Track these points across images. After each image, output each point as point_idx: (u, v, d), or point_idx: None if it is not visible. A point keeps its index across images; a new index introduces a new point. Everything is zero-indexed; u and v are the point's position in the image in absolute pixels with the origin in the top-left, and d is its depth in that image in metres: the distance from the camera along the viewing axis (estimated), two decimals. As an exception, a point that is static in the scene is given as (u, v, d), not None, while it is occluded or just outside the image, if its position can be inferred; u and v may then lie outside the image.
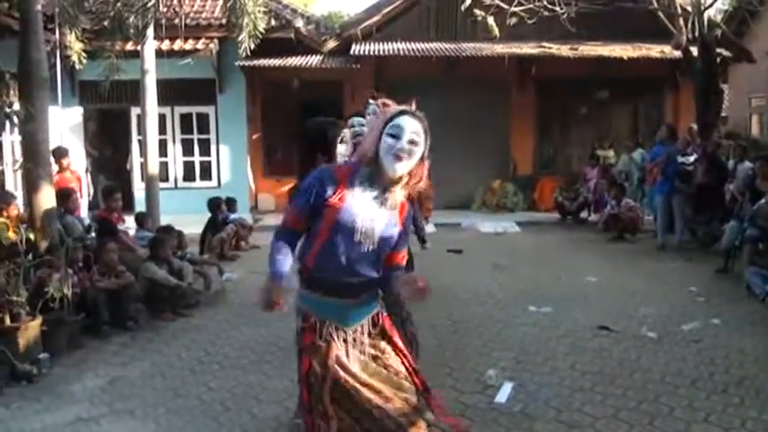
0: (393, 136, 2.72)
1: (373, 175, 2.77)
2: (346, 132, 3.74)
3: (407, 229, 2.95)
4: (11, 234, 6.11)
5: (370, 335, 2.88)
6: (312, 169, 3.08)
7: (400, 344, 2.95)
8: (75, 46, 9.78)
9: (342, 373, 2.76)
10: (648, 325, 6.24)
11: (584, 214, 13.50)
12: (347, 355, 2.80)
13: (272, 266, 2.80)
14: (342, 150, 3.65)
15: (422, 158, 2.79)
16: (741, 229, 8.07)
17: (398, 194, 2.81)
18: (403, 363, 2.91)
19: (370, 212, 2.74)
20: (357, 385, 2.77)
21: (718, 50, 13.10)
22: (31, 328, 5.33)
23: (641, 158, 13.21)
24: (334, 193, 2.73)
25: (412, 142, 2.72)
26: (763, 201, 7.94)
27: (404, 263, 2.96)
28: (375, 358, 2.86)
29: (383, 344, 2.90)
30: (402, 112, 2.78)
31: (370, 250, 2.76)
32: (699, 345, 5.67)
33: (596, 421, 4.21)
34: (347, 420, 2.76)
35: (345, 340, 2.82)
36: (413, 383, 2.88)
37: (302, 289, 2.87)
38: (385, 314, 2.97)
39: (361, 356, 2.83)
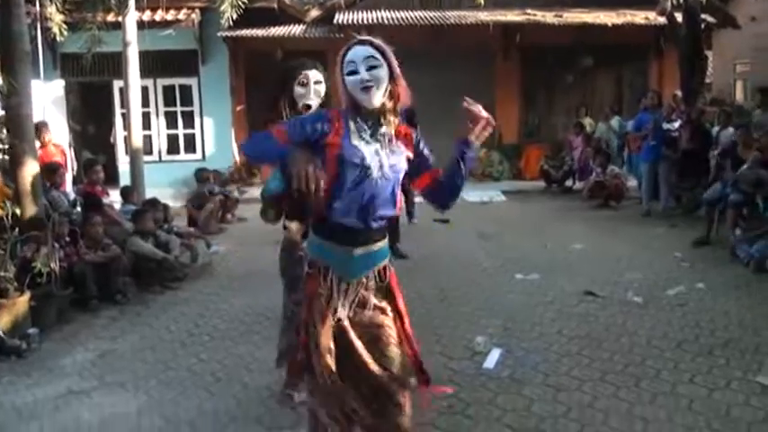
0: (351, 72, 2.70)
1: (359, 113, 2.75)
2: (308, 75, 3.71)
3: (423, 151, 2.89)
4: (-4, 209, 6.06)
5: (373, 291, 2.84)
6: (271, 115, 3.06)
7: (401, 306, 2.92)
8: (56, 18, 9.64)
9: (339, 329, 2.77)
10: (634, 290, 6.31)
11: (569, 182, 13.54)
12: (344, 310, 2.79)
13: (275, 147, 2.71)
14: (300, 92, 3.63)
15: (393, 77, 2.75)
16: (723, 191, 8.14)
17: (391, 123, 2.77)
18: (397, 326, 2.89)
19: (371, 147, 2.71)
20: (347, 343, 2.77)
21: (703, 16, 13.07)
22: (20, 304, 5.33)
23: (619, 126, 13.24)
24: (330, 131, 2.70)
25: (371, 68, 2.69)
26: (745, 166, 8.01)
27: (436, 173, 2.91)
28: (371, 317, 2.83)
29: (384, 303, 2.87)
30: (349, 46, 2.76)
31: (383, 185, 2.72)
32: (684, 308, 5.75)
33: (583, 384, 4.27)
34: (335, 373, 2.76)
35: (347, 292, 2.79)
36: (403, 350, 2.87)
37: (313, 236, 2.85)
38: (392, 269, 2.93)
39: (358, 313, 2.81)
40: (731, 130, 9.82)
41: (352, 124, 2.74)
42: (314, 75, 3.74)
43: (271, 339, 5.15)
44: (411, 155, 2.83)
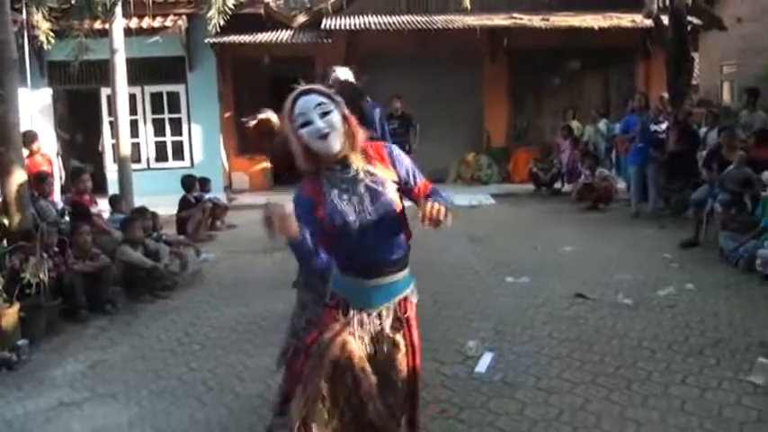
0: (304, 124, 2.63)
1: (325, 166, 2.70)
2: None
3: (405, 165, 2.83)
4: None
5: (392, 324, 2.82)
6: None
7: (416, 340, 2.90)
8: (43, 26, 9.63)
9: (343, 353, 2.71)
10: (624, 292, 6.33)
11: (558, 185, 13.57)
12: (358, 340, 2.75)
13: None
14: None
15: (344, 117, 2.69)
16: (711, 192, 8.19)
17: (358, 161, 2.72)
18: (408, 363, 2.86)
19: (351, 199, 2.67)
20: (355, 370, 2.72)
21: (689, 18, 13.14)
22: (9, 315, 5.30)
23: (607, 128, 13.29)
24: (316, 208, 2.66)
25: (323, 114, 2.64)
26: (731, 167, 8.06)
27: (430, 188, 2.87)
28: (384, 349, 2.81)
29: (398, 336, 2.83)
30: (294, 99, 2.68)
31: (377, 227, 2.69)
32: (674, 309, 5.77)
33: (575, 387, 4.28)
34: (336, 401, 2.72)
35: (363, 323, 2.77)
36: (407, 387, 2.86)
37: (336, 270, 2.82)
38: (414, 301, 2.92)
39: (371, 344, 2.78)
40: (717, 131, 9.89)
41: (324, 182, 2.70)
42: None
43: (262, 347, 5.15)
44: (395, 176, 2.78)
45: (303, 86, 2.72)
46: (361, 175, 2.71)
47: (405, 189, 2.83)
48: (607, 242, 8.70)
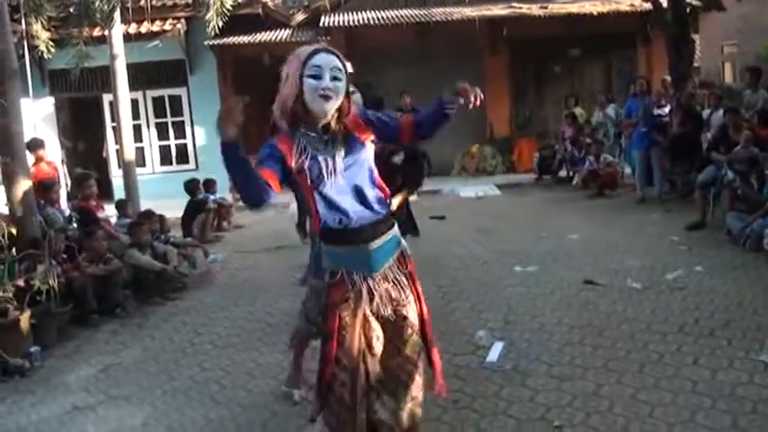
0: (314, 77, 2.66)
1: (306, 124, 2.73)
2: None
3: (381, 117, 2.86)
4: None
5: (395, 280, 2.87)
6: None
7: (420, 291, 2.96)
8: (43, 35, 9.66)
9: (365, 328, 2.81)
10: (633, 276, 6.32)
11: (562, 173, 13.53)
12: (372, 307, 2.81)
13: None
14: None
15: (347, 93, 2.76)
16: (717, 173, 8.17)
17: (341, 129, 2.76)
18: (419, 314, 2.94)
19: (325, 155, 2.71)
20: (373, 339, 2.82)
21: (688, 0, 13.12)
22: (21, 322, 5.32)
23: (615, 114, 13.24)
24: (287, 159, 2.70)
25: (335, 78, 2.68)
26: (738, 147, 8.03)
27: (412, 121, 2.88)
28: (396, 309, 2.86)
29: (407, 291, 2.90)
30: (317, 50, 2.72)
31: (356, 182, 2.74)
32: (683, 292, 5.76)
33: (587, 372, 4.28)
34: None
35: (373, 290, 2.80)
36: (421, 336, 2.93)
37: (324, 246, 2.86)
38: (409, 252, 2.96)
39: (384, 309, 2.83)
40: (722, 112, 9.84)
41: (302, 140, 2.73)
42: None
43: (273, 345, 5.17)
44: (372, 136, 2.82)
45: (325, 45, 2.77)
46: (338, 138, 2.74)
47: (389, 134, 2.86)
48: (614, 228, 8.68)
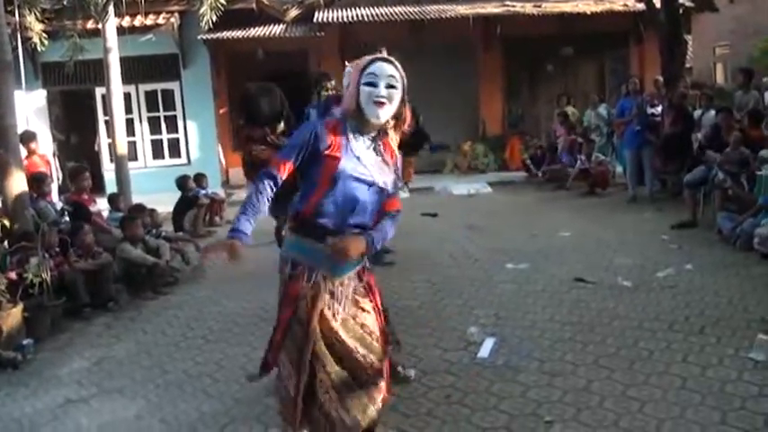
0: (370, 84, 2.77)
1: (360, 125, 2.84)
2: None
3: (398, 175, 3.02)
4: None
5: (354, 290, 2.95)
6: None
7: (379, 302, 3.04)
8: (36, 27, 9.63)
9: (322, 327, 2.86)
10: (624, 275, 6.36)
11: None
12: (330, 309, 2.87)
13: (239, 222, 2.84)
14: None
15: (403, 100, 2.86)
16: (707, 172, 8.22)
17: (391, 140, 2.91)
18: (378, 322, 3.00)
19: (367, 160, 2.82)
20: (334, 341, 2.87)
21: (681, 1, 13.19)
22: (13, 315, 5.32)
23: (607, 113, 13.28)
24: (329, 146, 2.78)
25: (390, 86, 2.79)
26: (728, 148, 8.09)
27: (398, 208, 3.00)
28: (354, 315, 2.94)
29: (365, 301, 2.98)
30: (374, 60, 2.84)
31: (371, 198, 2.84)
32: (674, 290, 5.81)
33: (577, 369, 4.32)
34: (322, 372, 2.86)
35: (332, 292, 2.88)
36: (381, 345, 2.98)
37: (293, 236, 2.93)
38: (371, 270, 3.04)
39: (342, 312, 2.90)
40: (713, 112, 9.91)
41: (351, 136, 2.82)
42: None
43: (266, 339, 5.15)
44: (393, 173, 2.94)
45: (385, 56, 2.91)
46: (382, 151, 2.88)
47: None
48: (605, 226, 8.73)
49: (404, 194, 10.66)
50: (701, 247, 7.30)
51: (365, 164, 2.81)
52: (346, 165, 2.77)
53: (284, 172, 2.81)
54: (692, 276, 6.21)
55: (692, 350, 4.48)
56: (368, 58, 2.86)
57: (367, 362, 2.90)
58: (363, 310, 2.96)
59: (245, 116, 5.24)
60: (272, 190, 2.82)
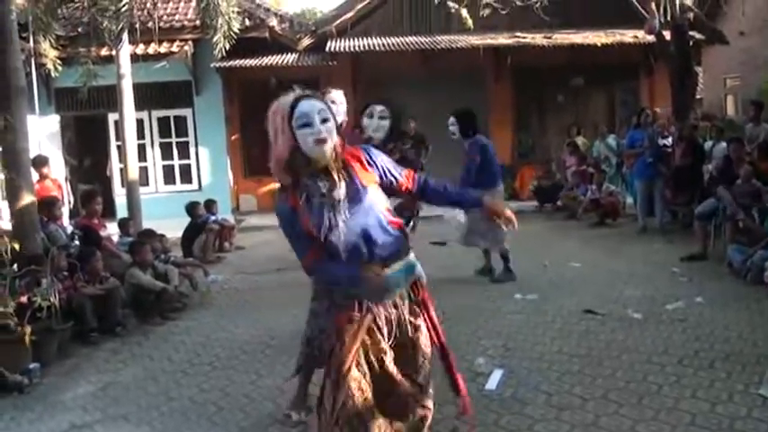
0: (305, 125, 2.69)
1: (309, 168, 2.75)
2: (374, 107, 3.95)
3: (381, 165, 2.92)
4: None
5: (410, 310, 2.90)
6: None
7: (435, 319, 2.98)
8: (50, 53, 9.74)
9: (369, 353, 2.82)
10: (633, 306, 6.32)
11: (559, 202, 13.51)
12: (381, 333, 2.83)
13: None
14: (367, 123, 3.80)
15: (337, 127, 2.79)
16: (718, 204, 8.18)
17: (337, 170, 2.77)
18: (432, 341, 2.97)
19: (329, 208, 2.73)
20: (377, 366, 2.84)
21: (691, 33, 13.23)
22: (20, 339, 5.31)
23: (616, 144, 13.29)
24: (299, 219, 2.74)
25: (323, 120, 2.71)
26: (739, 180, 8.06)
27: (413, 181, 2.99)
28: (407, 336, 2.89)
29: (419, 321, 2.93)
30: (298, 100, 2.74)
31: (364, 227, 2.75)
32: (684, 323, 5.76)
33: (586, 403, 4.27)
34: (365, 393, 2.81)
35: (380, 315, 2.83)
36: (442, 361, 3.01)
37: (334, 291, 2.94)
38: (424, 281, 2.99)
39: (394, 333, 2.86)
40: (724, 144, 9.90)
41: (304, 192, 2.75)
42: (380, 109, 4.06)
43: (272, 367, 5.17)
44: (376, 177, 2.86)
45: (304, 91, 2.79)
46: (340, 182, 2.75)
47: (390, 188, 2.93)
48: (615, 257, 8.70)
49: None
50: (711, 279, 7.25)
51: (331, 209, 2.71)
52: (317, 219, 2.71)
53: (312, 257, 2.80)
54: (702, 309, 6.16)
55: (702, 385, 4.43)
56: (287, 99, 2.76)
57: (416, 385, 2.91)
58: (417, 329, 2.91)
59: None
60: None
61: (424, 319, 2.95)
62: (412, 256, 2.93)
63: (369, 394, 2.80)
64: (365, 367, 2.82)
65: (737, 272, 7.21)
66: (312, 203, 2.73)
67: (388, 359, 2.85)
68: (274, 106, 2.78)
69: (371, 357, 2.84)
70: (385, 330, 2.84)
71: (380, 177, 2.89)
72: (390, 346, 2.86)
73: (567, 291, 7.09)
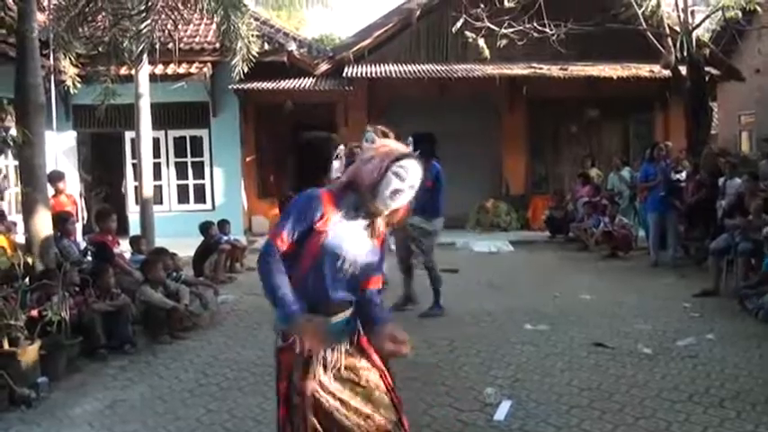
0: (398, 176, 2.79)
1: (360, 203, 2.84)
2: (341, 149, 3.86)
3: (383, 255, 3.03)
4: (5, 258, 6.10)
5: (347, 352, 2.93)
6: (311, 184, 3.15)
7: (378, 361, 2.99)
8: (70, 71, 9.86)
9: (321, 392, 2.84)
10: (644, 341, 6.28)
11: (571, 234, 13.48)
12: (326, 375, 2.87)
13: (285, 305, 2.75)
14: (336, 166, 3.74)
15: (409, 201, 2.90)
16: (731, 240, 8.14)
17: (380, 224, 2.91)
18: (381, 378, 2.97)
19: (355, 239, 2.82)
20: (337, 404, 2.86)
21: (707, 69, 13.26)
22: (30, 352, 5.33)
23: (630, 176, 13.27)
24: (320, 218, 2.78)
25: (412, 186, 2.83)
26: (750, 216, 8.03)
27: (380, 286, 3.05)
28: (352, 376, 2.92)
29: (361, 361, 2.95)
30: (410, 156, 2.86)
31: (352, 276, 2.85)
32: (694, 360, 5.72)
33: (595, 437, 4.24)
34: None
35: (324, 359, 2.86)
36: (391, 400, 2.95)
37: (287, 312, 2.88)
38: (362, 333, 3.01)
39: (339, 375, 2.89)
40: (737, 180, 9.87)
41: (344, 212, 2.83)
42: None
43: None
44: (379, 254, 2.97)
45: (417, 155, 2.89)
46: (373, 232, 2.89)
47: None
48: (626, 291, 8.66)
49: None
50: (722, 316, 7.20)
51: (352, 242, 2.81)
52: (332, 242, 2.78)
53: (287, 245, 2.81)
54: (713, 346, 6.12)
55: (712, 424, 4.39)
56: (403, 150, 2.88)
57: (380, 415, 2.88)
58: (361, 369, 2.94)
59: None
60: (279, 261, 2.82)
61: (370, 361, 2.97)
62: (352, 309, 2.96)
63: None
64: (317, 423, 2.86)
65: (749, 309, 7.16)
66: (343, 225, 2.81)
67: (346, 396, 2.87)
68: (392, 142, 3.02)
69: (328, 398, 2.86)
70: (328, 374, 2.88)
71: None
72: (343, 386, 2.89)
73: (578, 323, 7.06)
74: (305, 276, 2.82)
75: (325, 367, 2.86)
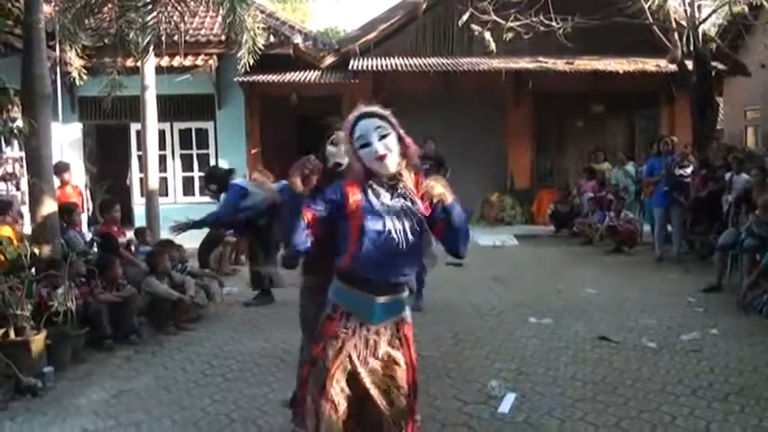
0: (364, 146, 2.81)
1: (376, 179, 2.87)
2: (339, 134, 3.83)
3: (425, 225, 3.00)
4: (12, 248, 6.13)
5: (389, 341, 2.94)
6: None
7: (414, 358, 3.00)
8: (76, 62, 9.87)
9: (355, 358, 2.87)
10: (648, 335, 6.29)
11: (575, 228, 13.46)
12: (359, 356, 2.88)
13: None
14: (332, 150, 3.73)
15: (400, 138, 2.88)
16: (738, 235, 8.13)
17: (407, 180, 2.89)
18: (407, 379, 2.97)
19: (391, 213, 2.83)
20: (358, 388, 2.89)
21: (713, 64, 13.22)
22: (36, 342, 5.36)
23: (635, 171, 13.24)
24: (352, 206, 2.81)
25: (382, 137, 2.81)
26: (758, 211, 8.01)
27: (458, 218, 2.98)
28: (385, 366, 2.93)
29: (398, 354, 2.95)
30: (356, 120, 2.86)
31: (406, 246, 2.84)
32: (698, 354, 5.73)
33: (598, 430, 4.26)
34: (340, 414, 2.88)
35: (366, 339, 2.88)
36: (407, 403, 2.96)
37: (338, 282, 2.94)
38: (409, 322, 3.02)
39: (372, 360, 2.90)
40: (744, 175, 9.85)
41: (370, 192, 2.85)
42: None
43: (285, 381, 5.16)
44: (425, 211, 2.92)
45: (363, 109, 2.90)
46: (405, 197, 2.87)
47: (430, 222, 2.97)
48: (631, 285, 8.65)
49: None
50: (726, 312, 7.19)
51: (389, 218, 2.82)
52: (370, 224, 2.80)
53: (308, 219, 2.82)
54: (717, 341, 6.12)
55: (716, 418, 4.39)
56: (350, 119, 2.89)
57: (389, 416, 2.91)
58: (395, 362, 2.95)
59: None
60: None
61: (404, 355, 2.98)
62: (406, 294, 2.99)
63: (344, 415, 2.88)
64: (344, 385, 2.88)
65: (753, 305, 7.14)
66: (373, 206, 2.84)
67: (368, 381, 2.90)
68: (345, 124, 2.96)
69: (350, 377, 2.89)
70: (363, 353, 2.89)
71: (430, 208, 2.95)
72: (367, 370, 2.91)
73: (582, 317, 7.06)
74: (354, 260, 2.84)
75: (361, 348, 2.88)
